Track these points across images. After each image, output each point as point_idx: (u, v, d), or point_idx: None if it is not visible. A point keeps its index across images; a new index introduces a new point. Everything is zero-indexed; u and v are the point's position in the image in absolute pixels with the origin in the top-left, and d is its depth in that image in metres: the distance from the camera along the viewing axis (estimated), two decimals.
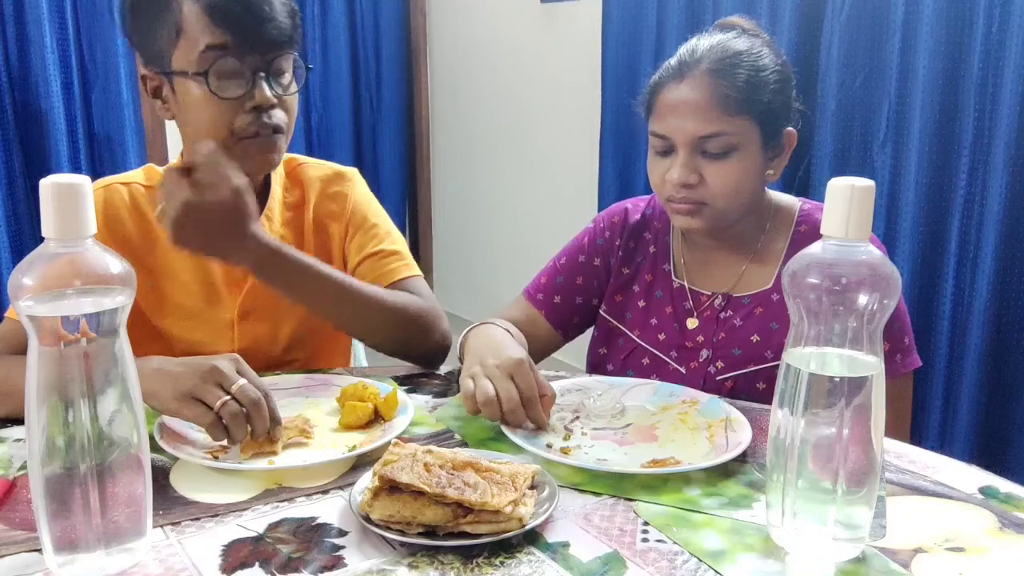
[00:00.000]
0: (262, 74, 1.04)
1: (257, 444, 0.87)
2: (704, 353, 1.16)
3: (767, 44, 1.12)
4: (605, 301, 1.26)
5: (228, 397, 0.85)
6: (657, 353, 1.19)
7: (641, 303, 1.22)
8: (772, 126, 1.09)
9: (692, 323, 1.18)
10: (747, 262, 1.18)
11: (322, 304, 1.08)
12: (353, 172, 1.28)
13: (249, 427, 0.86)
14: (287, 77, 1.09)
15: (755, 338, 1.14)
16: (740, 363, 1.14)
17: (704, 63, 1.07)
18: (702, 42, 1.10)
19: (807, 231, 1.17)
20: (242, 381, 0.87)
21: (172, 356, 0.92)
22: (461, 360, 1.13)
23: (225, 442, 0.87)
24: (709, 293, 1.18)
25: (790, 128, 1.13)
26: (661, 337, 1.19)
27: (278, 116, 1.07)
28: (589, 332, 1.30)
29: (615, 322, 1.24)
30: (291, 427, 0.91)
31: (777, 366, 1.09)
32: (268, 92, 1.04)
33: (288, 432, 0.91)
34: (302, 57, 1.10)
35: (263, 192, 1.19)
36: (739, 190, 1.09)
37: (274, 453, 0.88)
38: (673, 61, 1.11)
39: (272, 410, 0.88)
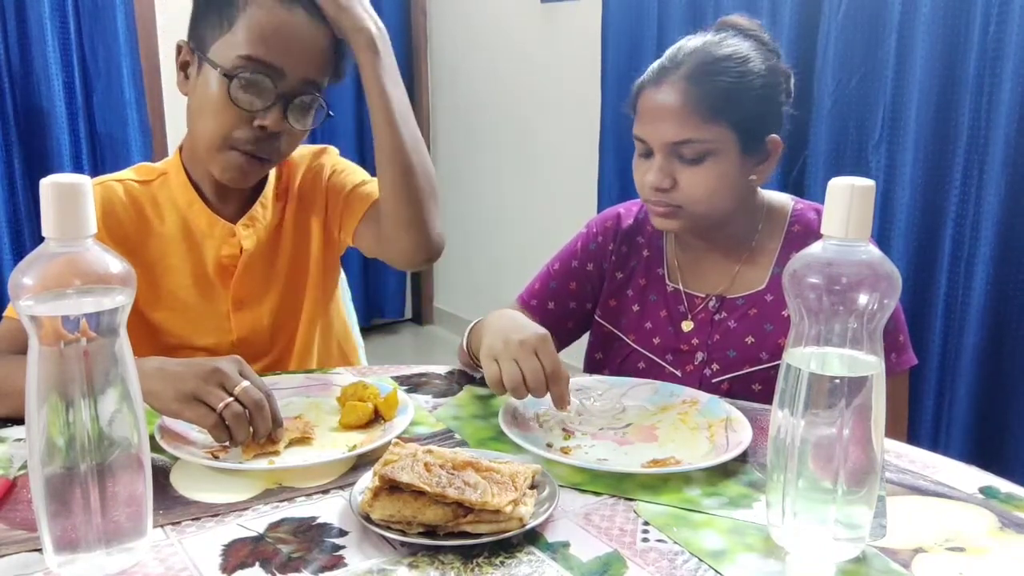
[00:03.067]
0: (282, 100, 1.04)
1: (259, 445, 0.87)
2: (699, 356, 1.16)
3: (761, 47, 1.10)
4: (599, 306, 1.25)
5: (231, 399, 0.85)
6: (653, 357, 1.19)
7: (635, 307, 1.22)
8: (752, 133, 1.08)
9: (687, 326, 1.17)
10: (740, 263, 1.17)
11: (397, 115, 1.09)
12: (330, 148, 1.29)
13: (251, 428, 0.86)
14: (311, 116, 1.10)
15: (749, 339, 1.14)
16: (735, 365, 1.13)
17: (683, 68, 1.06)
18: (689, 43, 1.09)
19: (800, 231, 1.17)
20: (245, 383, 0.87)
21: (169, 351, 0.92)
22: (466, 356, 1.12)
23: (227, 443, 0.87)
24: (703, 295, 1.18)
25: (775, 135, 1.11)
26: (656, 341, 1.19)
27: (276, 145, 1.08)
28: (585, 336, 1.30)
29: (610, 326, 1.24)
30: (293, 429, 0.91)
31: (772, 367, 1.10)
32: (280, 119, 1.05)
33: (290, 433, 0.91)
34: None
35: (260, 183, 1.20)
36: (713, 196, 1.08)
37: (276, 454, 0.88)
38: (656, 64, 1.10)
39: (274, 411, 0.88)
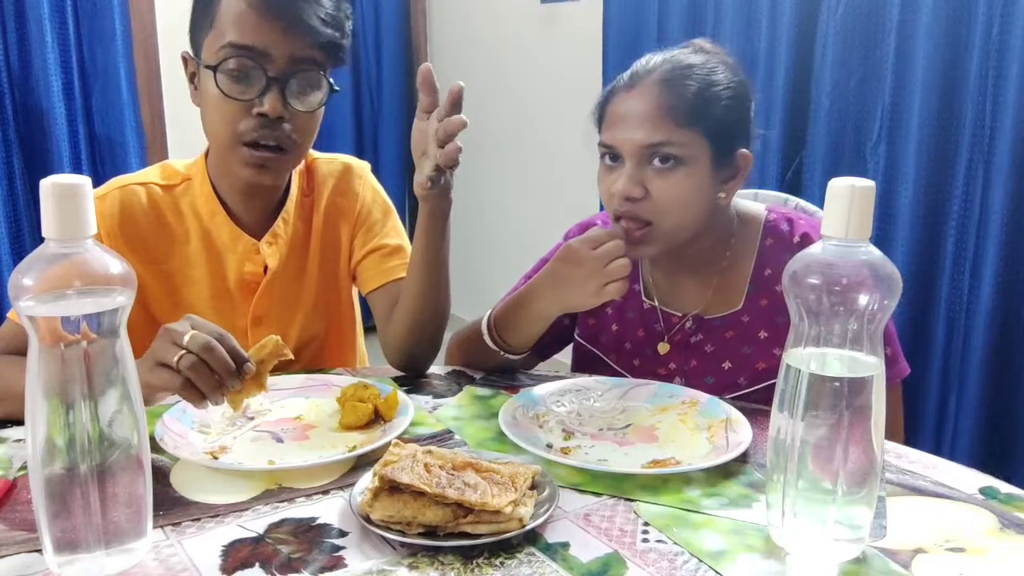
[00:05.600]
0: (277, 84, 1.02)
1: (239, 392, 0.87)
2: (677, 381, 1.13)
3: (726, 63, 1.08)
4: (578, 324, 1.24)
5: (183, 351, 0.83)
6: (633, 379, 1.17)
7: (614, 327, 1.20)
8: (723, 144, 1.05)
9: (664, 348, 1.16)
10: (715, 281, 1.15)
11: (447, 256, 1.11)
12: (363, 168, 1.27)
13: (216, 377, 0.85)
14: (315, 95, 1.06)
15: (727, 364, 1.12)
16: (714, 393, 1.10)
17: (655, 74, 1.05)
18: (657, 56, 1.08)
19: (772, 244, 1.13)
20: (192, 332, 0.84)
21: None
22: (487, 339, 1.11)
23: (211, 407, 0.87)
24: (680, 315, 1.16)
25: (745, 150, 1.08)
26: (636, 363, 1.18)
27: (284, 131, 1.04)
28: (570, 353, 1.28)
29: (589, 345, 1.22)
30: (265, 355, 0.90)
31: (752, 391, 1.09)
32: (278, 103, 1.01)
33: (265, 362, 0.90)
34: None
35: (284, 192, 1.19)
36: (685, 207, 1.04)
37: (262, 389, 0.89)
38: (626, 74, 1.09)
39: (232, 349, 0.86)
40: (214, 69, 1.01)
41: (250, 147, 1.04)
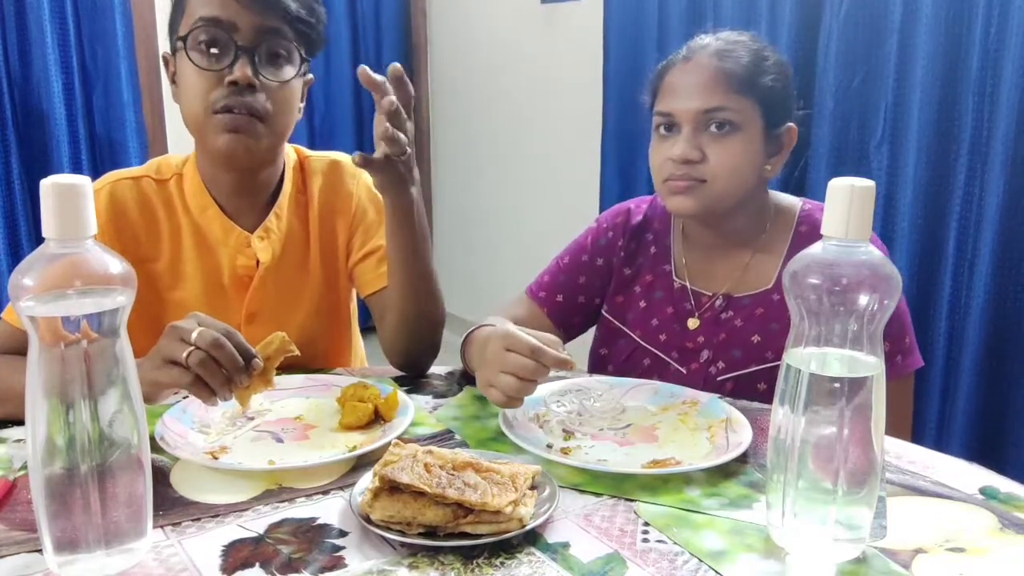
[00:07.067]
0: (246, 53, 1.04)
1: (246, 388, 0.87)
2: (705, 354, 1.16)
3: (769, 46, 1.16)
4: (607, 301, 1.26)
5: (192, 348, 0.84)
6: (658, 354, 1.19)
7: (642, 304, 1.23)
8: (774, 115, 1.12)
9: (693, 323, 1.18)
10: (747, 262, 1.18)
11: (423, 252, 1.09)
12: (359, 172, 1.26)
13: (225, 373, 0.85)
14: (286, 68, 1.08)
15: (756, 338, 1.14)
16: (740, 364, 1.14)
17: (710, 48, 1.12)
18: (708, 36, 1.15)
19: (807, 231, 1.17)
20: (200, 328, 0.85)
21: None
22: (464, 360, 1.13)
23: (219, 403, 0.87)
24: (710, 294, 1.19)
25: (791, 124, 1.15)
26: (662, 338, 1.20)
27: (258, 100, 1.05)
28: (591, 332, 1.30)
29: (616, 322, 1.24)
30: (272, 351, 0.91)
31: (777, 366, 1.10)
32: (247, 70, 1.03)
33: (272, 359, 0.90)
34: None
35: (276, 190, 1.19)
36: (737, 171, 1.10)
37: (268, 385, 0.89)
38: (681, 51, 1.15)
39: (240, 345, 0.87)
40: (185, 41, 1.04)
41: (222, 113, 1.05)
